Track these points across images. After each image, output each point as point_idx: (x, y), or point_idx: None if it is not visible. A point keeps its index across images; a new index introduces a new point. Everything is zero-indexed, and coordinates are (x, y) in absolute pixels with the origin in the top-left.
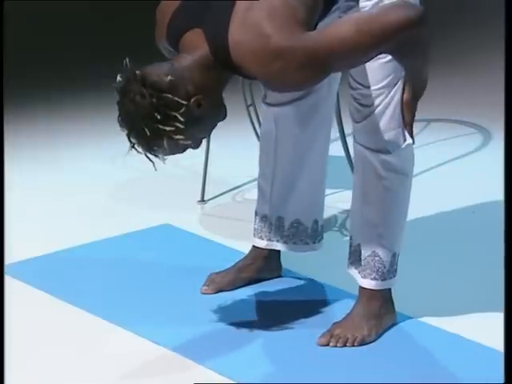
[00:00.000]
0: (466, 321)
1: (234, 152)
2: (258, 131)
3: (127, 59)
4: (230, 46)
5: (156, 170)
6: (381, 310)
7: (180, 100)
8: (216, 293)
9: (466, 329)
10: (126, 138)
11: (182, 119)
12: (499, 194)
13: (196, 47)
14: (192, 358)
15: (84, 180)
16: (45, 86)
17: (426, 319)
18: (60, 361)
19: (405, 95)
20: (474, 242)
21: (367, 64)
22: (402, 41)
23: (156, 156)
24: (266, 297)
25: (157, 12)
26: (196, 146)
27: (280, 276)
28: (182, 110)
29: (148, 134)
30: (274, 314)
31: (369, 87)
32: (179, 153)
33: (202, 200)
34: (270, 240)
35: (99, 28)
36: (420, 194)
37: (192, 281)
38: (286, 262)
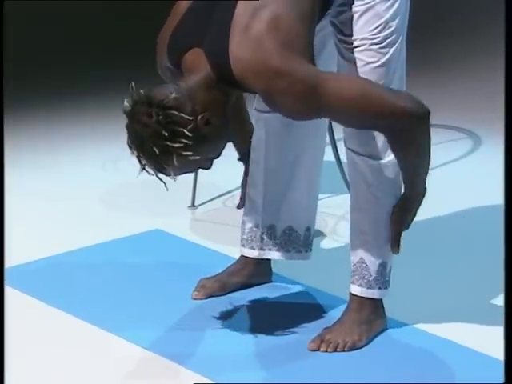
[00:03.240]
0: (458, 326)
1: (225, 157)
2: None
3: (133, 83)
4: (231, 60)
5: (137, 176)
6: (371, 316)
7: (186, 116)
8: (207, 298)
9: (458, 334)
10: (116, 143)
11: (189, 135)
12: (490, 198)
13: (198, 66)
14: (183, 364)
15: (74, 185)
16: (43, 90)
17: (416, 324)
18: (49, 368)
19: (399, 203)
20: (466, 247)
21: (358, 69)
22: (402, 132)
23: (167, 175)
24: (256, 302)
25: (158, 39)
26: (208, 166)
27: (270, 281)
28: (189, 127)
29: (157, 152)
30: (264, 318)
31: None
32: (190, 171)
33: (193, 205)
34: (261, 249)
35: (101, 30)
36: None
37: (183, 286)
38: (276, 267)
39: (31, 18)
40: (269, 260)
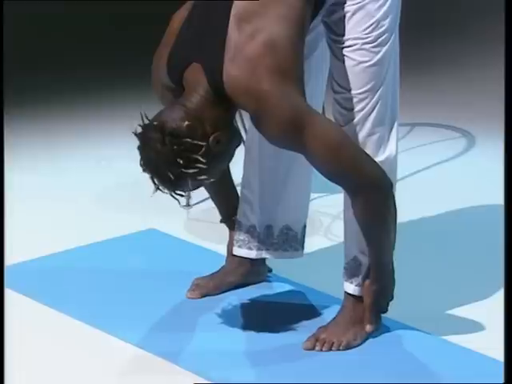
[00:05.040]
0: (457, 326)
1: None
2: (244, 136)
3: (143, 111)
4: (225, 78)
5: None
6: None
7: (199, 142)
8: (201, 297)
9: (458, 334)
10: (112, 142)
11: (203, 160)
12: (485, 197)
13: (199, 83)
14: (178, 363)
15: (68, 185)
16: (38, 88)
17: (411, 323)
18: (43, 366)
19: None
20: (462, 246)
21: (351, 68)
22: (363, 196)
23: (181, 195)
24: (251, 301)
25: (154, 57)
26: (217, 177)
27: (265, 280)
28: (202, 151)
29: (172, 178)
30: (259, 318)
31: (352, 91)
32: (202, 186)
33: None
34: (259, 249)
35: (100, 29)
36: (404, 199)
37: (177, 285)
38: (271, 267)
39: (30, 19)
40: (264, 259)
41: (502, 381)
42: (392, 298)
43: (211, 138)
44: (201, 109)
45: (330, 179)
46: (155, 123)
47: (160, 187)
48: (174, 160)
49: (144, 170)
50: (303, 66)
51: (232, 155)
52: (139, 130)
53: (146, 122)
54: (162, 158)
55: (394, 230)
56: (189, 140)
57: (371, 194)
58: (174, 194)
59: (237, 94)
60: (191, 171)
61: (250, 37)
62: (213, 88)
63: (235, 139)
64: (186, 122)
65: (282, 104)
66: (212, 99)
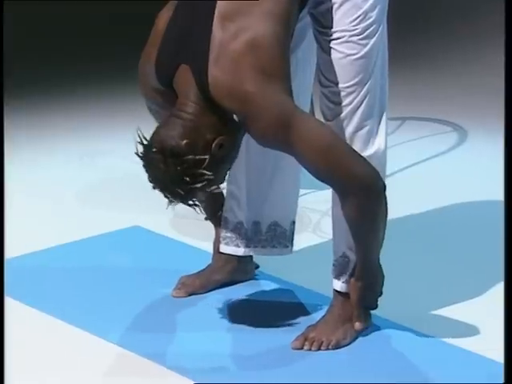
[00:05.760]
0: (449, 325)
1: None
2: None
3: (139, 130)
4: (209, 80)
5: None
6: None
7: (202, 156)
8: (188, 296)
9: (450, 333)
10: (94, 137)
11: (209, 172)
12: (477, 192)
13: (190, 85)
14: (163, 364)
15: (50, 181)
16: (17, 82)
17: (402, 321)
18: (24, 367)
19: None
20: (455, 244)
21: (338, 61)
22: (353, 197)
23: (196, 205)
24: (239, 299)
25: (141, 60)
26: (224, 179)
27: (253, 278)
28: (206, 164)
29: (182, 193)
30: (247, 317)
31: (340, 85)
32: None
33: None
34: (246, 246)
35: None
36: (394, 195)
37: (163, 284)
38: (259, 264)
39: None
40: (251, 256)
41: (502, 381)
42: (381, 294)
43: (213, 146)
44: (198, 118)
45: (319, 180)
46: (153, 142)
47: (173, 200)
48: (180, 179)
49: (154, 187)
50: (289, 63)
51: (237, 153)
52: (140, 148)
53: (144, 141)
54: (168, 178)
55: (384, 229)
56: (191, 157)
57: (361, 196)
58: (189, 205)
59: (220, 96)
60: (200, 185)
61: (233, 36)
62: (201, 91)
63: (238, 137)
64: (185, 141)
65: (267, 105)
66: (207, 104)
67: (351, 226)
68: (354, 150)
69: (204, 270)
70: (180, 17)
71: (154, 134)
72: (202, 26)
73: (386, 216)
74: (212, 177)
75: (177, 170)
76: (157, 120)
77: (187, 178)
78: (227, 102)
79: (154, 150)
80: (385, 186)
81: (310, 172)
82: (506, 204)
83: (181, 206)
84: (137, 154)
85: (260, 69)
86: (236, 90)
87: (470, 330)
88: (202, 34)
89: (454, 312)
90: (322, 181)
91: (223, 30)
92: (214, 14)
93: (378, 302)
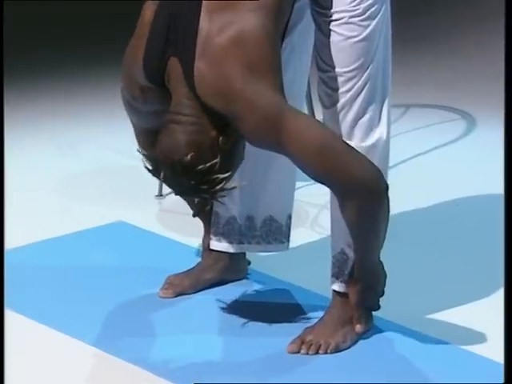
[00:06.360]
0: (450, 325)
1: None
2: None
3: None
4: (195, 76)
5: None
6: None
7: (213, 161)
8: (176, 296)
9: (451, 333)
10: (75, 125)
11: (225, 174)
12: (485, 185)
13: (182, 82)
14: (151, 370)
15: (28, 173)
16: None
17: (405, 323)
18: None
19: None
20: (459, 241)
21: (338, 44)
22: (354, 200)
23: (223, 196)
24: (230, 300)
25: (126, 54)
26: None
27: (246, 277)
28: (218, 166)
29: (206, 197)
30: (239, 318)
31: (339, 69)
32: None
33: (160, 194)
34: (239, 243)
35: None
36: (398, 189)
37: (149, 284)
38: (252, 262)
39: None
40: (244, 254)
41: (502, 381)
42: (382, 293)
43: (220, 142)
44: (198, 118)
45: (322, 183)
46: (161, 159)
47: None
48: (198, 190)
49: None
50: (280, 57)
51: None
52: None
53: (143, 152)
54: (186, 190)
55: (385, 230)
56: (201, 167)
57: (362, 199)
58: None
59: (206, 93)
60: (219, 186)
61: (219, 29)
62: (192, 88)
63: None
64: (191, 153)
65: (255, 104)
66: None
67: (351, 227)
68: (353, 149)
69: (193, 268)
70: (168, 5)
71: (158, 146)
72: (189, 16)
73: (388, 216)
74: (228, 174)
75: (191, 185)
76: (138, 122)
77: (205, 187)
78: (213, 100)
79: (162, 165)
80: (387, 187)
81: (306, 174)
82: (507, 199)
83: (168, 200)
84: (145, 167)
85: (247, 64)
86: (221, 87)
87: (470, 330)
88: (189, 25)
89: (461, 312)
90: (320, 183)
91: (210, 23)
92: (201, 2)
93: (380, 303)
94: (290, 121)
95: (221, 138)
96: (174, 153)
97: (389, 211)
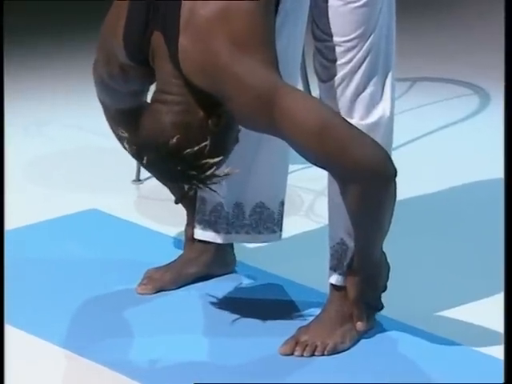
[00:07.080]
0: (451, 322)
1: None
2: None
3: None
4: (179, 52)
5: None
6: None
7: (201, 144)
8: (155, 292)
9: (452, 330)
10: (41, 103)
11: (216, 156)
12: (499, 168)
13: (167, 58)
14: (127, 375)
15: None
16: None
17: (408, 321)
18: None
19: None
20: (470, 228)
21: (336, 9)
22: (358, 185)
23: (215, 183)
24: (216, 297)
25: (102, 30)
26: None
27: (234, 271)
28: (207, 149)
29: (197, 184)
30: (226, 317)
31: (338, 38)
32: None
33: (138, 179)
34: (227, 233)
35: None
36: (403, 172)
37: (126, 278)
38: (240, 254)
39: None
40: (231, 245)
41: (502, 381)
42: (385, 288)
43: (210, 123)
44: (185, 97)
45: (322, 167)
46: (145, 142)
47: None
48: (187, 176)
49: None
50: (272, 29)
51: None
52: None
53: (123, 135)
54: (174, 176)
55: (390, 219)
56: (189, 151)
57: (367, 184)
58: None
59: (191, 71)
60: (210, 171)
61: (204, 0)
62: (177, 65)
63: None
64: (177, 136)
65: (245, 82)
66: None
67: (352, 215)
68: (356, 129)
69: (175, 261)
70: None
71: (141, 128)
72: None
73: (394, 204)
74: (219, 158)
75: (179, 170)
76: (112, 102)
77: (194, 172)
78: (198, 79)
79: (147, 149)
80: (395, 172)
81: (304, 158)
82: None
83: (146, 186)
84: (129, 153)
85: (235, 38)
86: (207, 64)
87: (471, 329)
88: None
89: (462, 310)
90: (320, 167)
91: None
92: None
93: (382, 300)
94: (286, 99)
95: (210, 119)
96: (159, 135)
97: (395, 199)
